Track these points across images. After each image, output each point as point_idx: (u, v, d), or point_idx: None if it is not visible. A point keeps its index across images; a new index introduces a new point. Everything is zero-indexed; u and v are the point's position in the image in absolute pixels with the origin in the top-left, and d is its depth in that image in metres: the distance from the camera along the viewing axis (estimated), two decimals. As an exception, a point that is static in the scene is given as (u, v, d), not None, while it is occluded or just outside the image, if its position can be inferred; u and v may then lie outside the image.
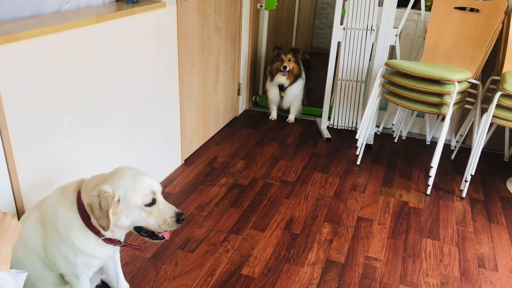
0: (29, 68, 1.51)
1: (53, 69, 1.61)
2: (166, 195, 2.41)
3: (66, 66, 1.68)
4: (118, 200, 1.29)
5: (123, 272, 1.82)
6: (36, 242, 1.38)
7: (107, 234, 1.35)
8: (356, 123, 3.35)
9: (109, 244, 1.39)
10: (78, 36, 1.71)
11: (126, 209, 1.31)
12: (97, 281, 1.76)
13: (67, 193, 1.38)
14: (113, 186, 1.30)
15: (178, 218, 1.37)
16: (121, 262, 1.88)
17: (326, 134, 3.24)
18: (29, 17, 1.71)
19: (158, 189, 1.37)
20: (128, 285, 1.76)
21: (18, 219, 1.58)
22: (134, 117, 2.18)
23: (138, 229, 1.39)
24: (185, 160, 2.79)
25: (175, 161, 2.68)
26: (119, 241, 1.40)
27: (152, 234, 1.41)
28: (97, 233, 1.35)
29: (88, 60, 1.78)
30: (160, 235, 1.41)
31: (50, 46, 1.58)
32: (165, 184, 2.52)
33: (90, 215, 1.31)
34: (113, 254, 1.48)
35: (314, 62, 3.82)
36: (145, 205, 1.32)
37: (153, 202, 1.34)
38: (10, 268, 1.09)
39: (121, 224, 1.33)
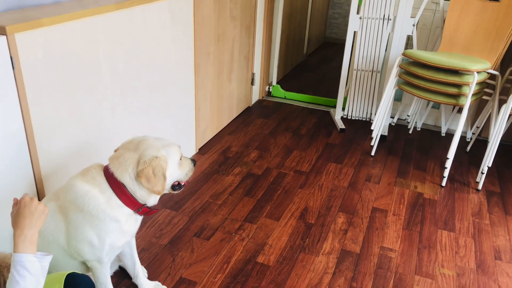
0: (49, 55, 1.52)
1: (72, 56, 1.62)
2: (181, 183, 2.42)
3: (84, 54, 1.68)
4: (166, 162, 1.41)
5: (140, 259, 1.84)
6: (56, 232, 1.39)
7: (150, 202, 1.43)
8: (371, 114, 3.33)
9: (141, 215, 1.47)
10: (96, 23, 1.71)
11: (171, 167, 1.43)
12: (115, 268, 1.78)
13: (93, 177, 1.40)
14: (156, 151, 1.39)
15: (194, 161, 1.58)
16: (137, 248, 1.90)
17: (340, 124, 3.22)
18: (49, 4, 1.71)
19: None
20: (145, 270, 1.78)
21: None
22: (150, 105, 2.19)
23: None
24: (199, 149, 2.80)
25: (189, 150, 2.69)
26: (150, 208, 1.47)
27: (173, 186, 1.54)
28: (133, 205, 1.41)
29: (105, 48, 1.79)
30: (183, 183, 1.56)
31: (70, 33, 1.59)
32: (180, 172, 2.54)
33: (139, 187, 1.38)
34: (135, 232, 1.52)
35: (327, 52, 3.78)
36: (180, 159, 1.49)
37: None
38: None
39: (168, 183, 1.45)
